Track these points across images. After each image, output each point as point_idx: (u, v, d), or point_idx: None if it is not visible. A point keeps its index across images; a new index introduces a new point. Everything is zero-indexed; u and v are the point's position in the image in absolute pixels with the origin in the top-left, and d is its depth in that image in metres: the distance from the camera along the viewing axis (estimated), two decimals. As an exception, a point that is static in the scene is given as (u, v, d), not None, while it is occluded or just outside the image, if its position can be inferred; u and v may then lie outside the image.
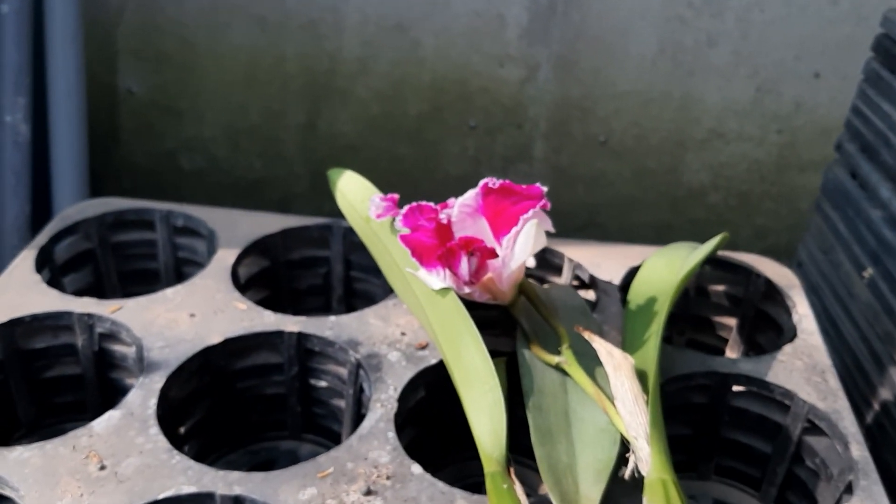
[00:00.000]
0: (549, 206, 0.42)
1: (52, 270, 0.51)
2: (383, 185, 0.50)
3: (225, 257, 0.51)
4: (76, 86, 0.70)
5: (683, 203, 1.07)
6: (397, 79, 0.99)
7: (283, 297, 0.55)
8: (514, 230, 0.41)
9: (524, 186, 0.42)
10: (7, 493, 0.36)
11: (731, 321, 0.55)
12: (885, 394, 0.60)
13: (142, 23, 0.94)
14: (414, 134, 1.02)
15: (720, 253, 0.55)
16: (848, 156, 0.70)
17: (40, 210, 0.71)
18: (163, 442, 0.38)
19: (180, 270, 0.56)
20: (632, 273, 0.52)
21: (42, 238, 0.51)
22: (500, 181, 0.42)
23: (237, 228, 0.53)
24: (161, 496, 0.35)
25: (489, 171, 1.03)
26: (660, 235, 1.07)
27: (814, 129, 1.00)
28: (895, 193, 0.61)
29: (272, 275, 0.54)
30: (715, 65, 0.97)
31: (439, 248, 0.41)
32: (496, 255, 0.41)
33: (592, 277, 0.51)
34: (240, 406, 0.47)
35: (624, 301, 0.49)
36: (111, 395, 0.48)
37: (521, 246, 0.41)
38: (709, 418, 0.47)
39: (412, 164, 1.04)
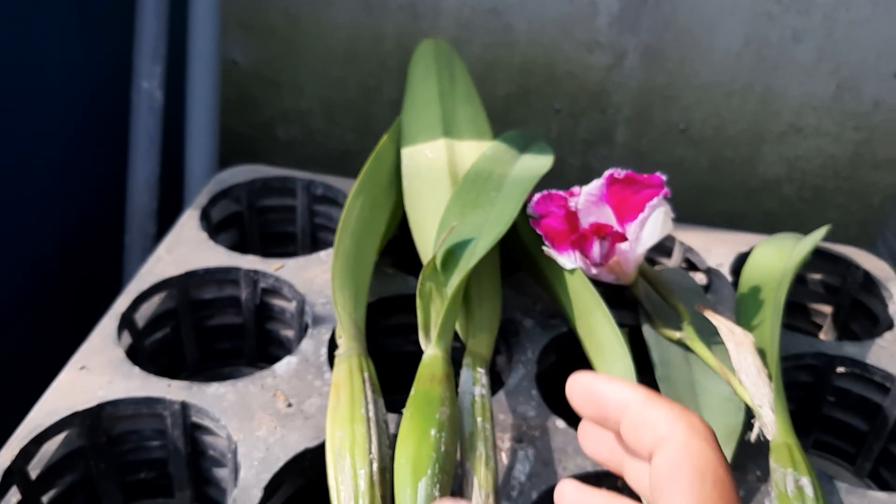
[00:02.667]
0: (669, 193, 0.46)
1: (209, 230, 0.56)
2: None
3: (367, 225, 0.55)
4: (213, 57, 0.75)
5: (757, 194, 1.10)
6: (488, 61, 1.03)
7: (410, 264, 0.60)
8: (640, 216, 0.45)
9: (646, 176, 0.46)
10: (207, 423, 0.41)
11: (827, 309, 0.59)
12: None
13: (250, -4, 0.99)
14: (500, 114, 1.06)
15: (820, 244, 0.58)
16: (936, 157, 0.73)
17: (169, 171, 0.77)
18: (337, 386, 0.43)
19: (315, 235, 0.61)
20: (741, 259, 0.55)
21: (202, 199, 0.56)
22: (625, 171, 0.46)
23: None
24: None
25: (571, 153, 1.07)
26: (733, 225, 1.09)
27: (890, 127, 1.02)
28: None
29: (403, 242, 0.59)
30: (798, 60, 1.00)
31: (572, 233, 0.46)
32: (626, 240, 0.45)
33: (704, 261, 0.55)
34: (380, 360, 0.52)
35: (735, 284, 0.53)
36: (266, 344, 0.53)
37: (648, 231, 0.45)
38: (812, 396, 0.51)
39: (496, 143, 1.08)
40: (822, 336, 0.59)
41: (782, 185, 1.08)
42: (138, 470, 0.44)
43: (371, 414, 0.37)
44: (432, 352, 0.39)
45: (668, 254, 0.58)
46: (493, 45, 1.02)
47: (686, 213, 1.09)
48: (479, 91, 1.04)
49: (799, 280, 0.59)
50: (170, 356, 0.51)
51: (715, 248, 0.57)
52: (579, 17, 0.99)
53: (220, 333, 0.52)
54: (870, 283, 0.56)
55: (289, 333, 0.52)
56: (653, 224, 0.45)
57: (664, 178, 0.46)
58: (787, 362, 0.49)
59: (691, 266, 0.57)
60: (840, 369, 0.49)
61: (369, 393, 0.38)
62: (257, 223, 0.60)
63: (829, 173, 1.07)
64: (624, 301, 0.50)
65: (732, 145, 1.06)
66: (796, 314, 0.60)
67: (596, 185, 0.47)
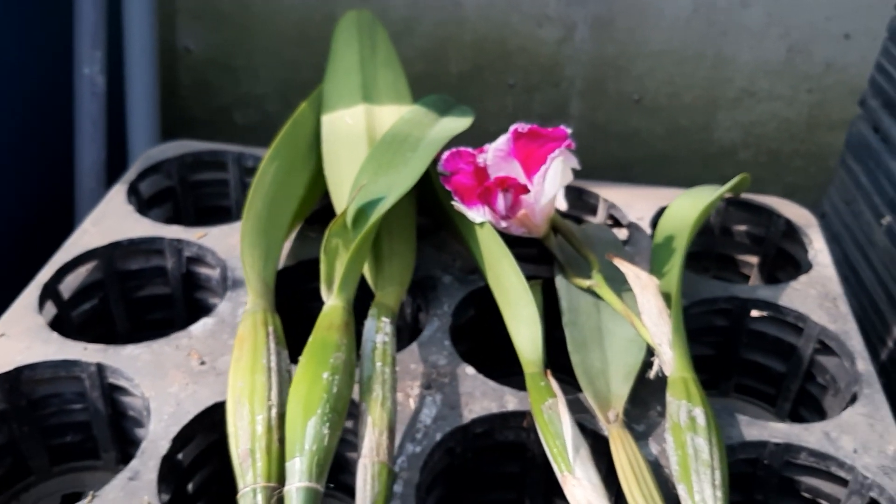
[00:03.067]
0: (573, 145, 0.47)
1: (139, 205, 0.56)
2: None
3: (294, 193, 0.56)
4: (149, 41, 0.75)
5: (715, 160, 1.11)
6: (440, 38, 1.04)
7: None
8: (542, 168, 0.46)
9: (550, 129, 0.47)
10: (122, 383, 0.42)
11: (754, 259, 0.60)
12: (898, 333, 0.65)
13: (200, -17, 1.00)
14: (455, 92, 1.07)
15: (744, 195, 0.59)
16: (871, 111, 0.74)
17: (115, 156, 0.78)
18: (251, 344, 0.44)
19: (250, 208, 0.62)
20: (661, 212, 0.56)
21: (130, 174, 0.57)
22: (529, 126, 0.47)
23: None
24: (253, 386, 0.41)
25: (527, 127, 1.08)
26: (691, 191, 1.11)
27: (843, 88, 1.03)
28: (914, 145, 0.65)
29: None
30: (747, 25, 1.00)
31: (478, 187, 0.46)
32: (528, 191, 0.46)
33: (625, 216, 0.56)
34: (303, 319, 0.52)
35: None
36: (196, 313, 0.54)
37: (550, 182, 0.46)
38: (729, 340, 0.52)
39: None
40: (750, 286, 0.60)
41: (739, 150, 1.09)
42: (64, 433, 0.45)
43: (273, 364, 0.38)
44: (333, 302, 0.40)
45: (594, 211, 0.59)
46: (443, 22, 1.03)
47: (645, 182, 1.10)
48: (432, 69, 1.05)
49: (725, 232, 0.60)
50: (100, 328, 0.52)
51: (637, 203, 0.58)
52: (527, -9, 1.00)
53: (151, 304, 0.53)
54: (792, 231, 0.57)
55: (216, 301, 0.53)
56: (553, 175, 0.46)
57: (568, 130, 0.47)
58: (701, 307, 0.50)
59: (616, 223, 0.58)
60: (754, 312, 0.51)
61: (272, 345, 0.39)
62: (191, 198, 0.61)
63: (784, 137, 1.08)
64: (544, 257, 0.51)
65: (687, 113, 1.07)
66: (725, 266, 0.61)
67: (503, 141, 0.48)
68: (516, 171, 0.48)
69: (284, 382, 0.38)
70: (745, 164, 1.09)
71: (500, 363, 0.51)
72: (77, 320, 0.50)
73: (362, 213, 0.45)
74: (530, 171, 0.47)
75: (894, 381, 0.64)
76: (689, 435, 0.37)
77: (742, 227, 0.60)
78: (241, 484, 0.33)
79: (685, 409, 0.38)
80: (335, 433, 0.34)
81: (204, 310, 0.54)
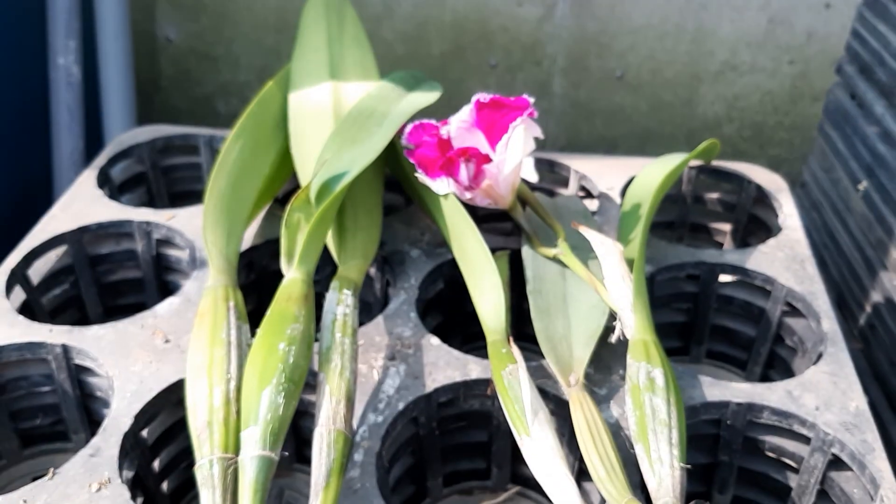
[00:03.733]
0: (535, 114, 0.47)
1: (111, 190, 0.57)
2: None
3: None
4: (122, 29, 0.75)
5: (699, 135, 1.10)
6: (420, 20, 1.03)
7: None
8: (505, 137, 0.46)
9: (512, 99, 0.47)
10: (87, 363, 0.43)
11: (726, 226, 0.60)
12: (876, 297, 0.65)
13: (177, -27, 1.00)
14: (437, 73, 1.07)
15: (715, 162, 0.59)
16: (847, 77, 0.74)
17: (93, 145, 0.78)
18: (216, 321, 0.44)
19: (223, 191, 0.62)
20: (632, 181, 0.56)
21: (101, 160, 0.57)
22: (491, 95, 0.47)
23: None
24: (217, 362, 0.41)
25: (510, 107, 1.08)
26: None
27: (825, 59, 1.02)
28: (888, 110, 0.64)
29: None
30: (727, -3, 1.00)
31: (441, 158, 0.46)
32: (490, 160, 0.46)
33: (596, 187, 0.56)
34: (271, 297, 0.53)
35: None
36: (168, 296, 0.54)
37: (512, 151, 0.46)
38: (699, 306, 0.52)
39: (436, 102, 1.08)
40: (724, 254, 0.61)
41: (723, 124, 1.09)
42: (33, 416, 0.45)
43: (232, 338, 0.38)
44: (292, 275, 0.41)
45: (565, 183, 0.59)
46: (423, 3, 1.03)
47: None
48: (413, 51, 1.05)
49: (697, 201, 0.60)
50: (72, 313, 0.52)
51: (608, 173, 0.58)
52: (505, -31, 1.00)
53: (123, 288, 0.54)
54: (762, 196, 0.57)
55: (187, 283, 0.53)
56: (515, 143, 0.46)
57: (531, 99, 0.47)
58: (669, 272, 0.50)
59: (588, 193, 0.58)
60: (723, 277, 0.51)
61: (233, 319, 0.39)
62: (164, 183, 0.61)
63: (768, 109, 1.07)
64: (518, 230, 0.51)
65: (670, 88, 1.07)
66: (699, 236, 0.61)
67: (466, 112, 0.48)
68: (480, 142, 0.48)
69: (244, 356, 0.38)
70: (729, 138, 1.09)
71: (472, 336, 0.51)
72: (48, 306, 0.50)
73: (325, 187, 0.45)
74: (494, 140, 0.47)
75: (872, 345, 0.64)
76: (647, 395, 0.37)
77: (714, 195, 0.60)
78: (198, 456, 0.34)
79: (644, 369, 0.39)
80: (291, 403, 0.35)
81: (175, 292, 0.54)
